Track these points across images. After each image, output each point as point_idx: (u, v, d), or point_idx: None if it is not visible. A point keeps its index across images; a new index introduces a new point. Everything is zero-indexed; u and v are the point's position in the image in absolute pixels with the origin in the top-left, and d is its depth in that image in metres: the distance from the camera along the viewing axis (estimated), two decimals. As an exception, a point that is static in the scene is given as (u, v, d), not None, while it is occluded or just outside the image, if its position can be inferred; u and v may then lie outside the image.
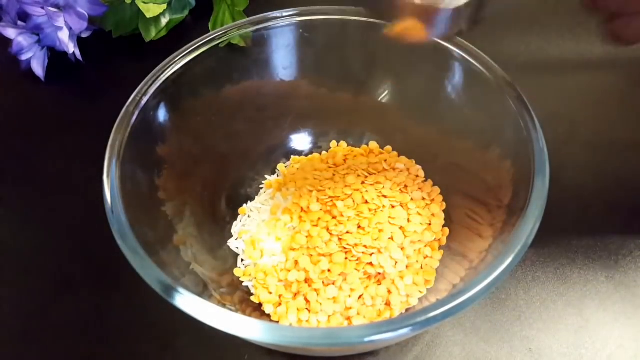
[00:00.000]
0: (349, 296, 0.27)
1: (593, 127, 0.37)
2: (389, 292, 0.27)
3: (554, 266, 0.30)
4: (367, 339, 0.20)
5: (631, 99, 0.39)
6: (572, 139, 0.36)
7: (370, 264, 0.28)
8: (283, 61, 0.32)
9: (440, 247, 0.29)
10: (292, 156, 0.34)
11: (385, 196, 0.30)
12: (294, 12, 0.31)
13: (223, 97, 0.32)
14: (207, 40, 0.30)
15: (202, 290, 0.26)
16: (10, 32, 0.38)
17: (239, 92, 0.32)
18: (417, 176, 0.32)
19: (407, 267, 0.28)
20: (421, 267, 0.28)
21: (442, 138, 0.32)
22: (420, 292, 0.28)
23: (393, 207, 0.29)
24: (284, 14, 0.31)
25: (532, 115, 0.26)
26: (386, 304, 0.27)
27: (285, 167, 0.34)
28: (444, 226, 0.30)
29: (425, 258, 0.29)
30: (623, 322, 0.29)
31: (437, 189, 0.31)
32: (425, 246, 0.29)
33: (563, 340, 0.28)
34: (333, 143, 0.34)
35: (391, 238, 0.28)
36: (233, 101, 0.32)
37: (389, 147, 0.33)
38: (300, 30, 0.31)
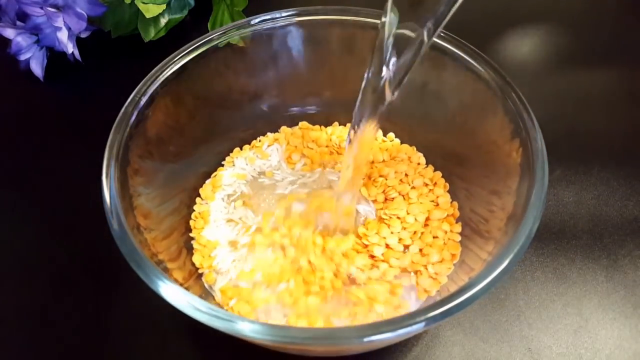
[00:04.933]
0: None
1: (593, 127, 0.37)
2: (419, 273, 0.28)
3: (553, 266, 0.30)
4: (366, 339, 0.20)
5: (631, 99, 0.39)
6: (572, 138, 0.36)
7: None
8: (282, 61, 0.32)
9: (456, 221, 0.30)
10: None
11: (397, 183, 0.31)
12: (293, 12, 0.31)
13: (222, 98, 0.32)
14: (206, 40, 0.30)
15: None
16: (9, 32, 0.38)
17: (238, 92, 0.32)
18: (419, 164, 0.32)
19: (430, 245, 0.28)
20: (444, 243, 0.29)
21: (441, 138, 0.32)
22: (449, 268, 0.28)
23: (393, 199, 0.30)
24: (283, 14, 0.31)
25: (532, 115, 0.26)
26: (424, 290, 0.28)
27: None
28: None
29: (445, 233, 0.29)
30: (622, 322, 0.29)
31: (438, 173, 0.31)
32: (442, 222, 0.29)
33: (562, 340, 0.28)
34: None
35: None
36: (232, 101, 0.32)
37: (391, 135, 0.34)
38: (300, 30, 0.31)
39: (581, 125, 0.37)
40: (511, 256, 0.22)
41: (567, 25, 0.43)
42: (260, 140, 0.34)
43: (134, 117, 0.26)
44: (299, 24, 0.31)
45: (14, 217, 0.34)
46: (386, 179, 0.31)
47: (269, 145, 0.33)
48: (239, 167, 0.33)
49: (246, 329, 0.20)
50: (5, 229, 0.33)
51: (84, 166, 0.28)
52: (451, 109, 0.31)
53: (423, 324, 0.20)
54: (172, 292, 0.21)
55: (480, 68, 0.28)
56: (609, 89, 0.39)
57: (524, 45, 0.42)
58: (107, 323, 0.29)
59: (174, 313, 0.21)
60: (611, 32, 0.43)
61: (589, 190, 0.34)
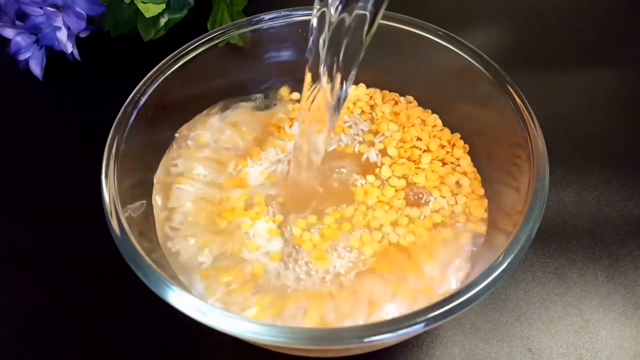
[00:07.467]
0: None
1: (593, 127, 0.37)
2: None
3: (553, 266, 0.30)
4: (366, 340, 0.20)
5: (631, 99, 0.39)
6: (572, 138, 0.36)
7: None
8: (282, 60, 0.32)
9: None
10: None
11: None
12: (293, 12, 0.31)
13: (222, 97, 0.32)
14: (206, 40, 0.30)
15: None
16: (9, 32, 0.38)
17: (238, 92, 0.32)
18: (434, 126, 0.31)
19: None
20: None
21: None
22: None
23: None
24: (283, 14, 0.31)
25: (532, 115, 0.26)
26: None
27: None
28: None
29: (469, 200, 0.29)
30: (623, 322, 0.29)
31: (457, 135, 0.31)
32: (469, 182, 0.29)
33: (563, 341, 0.28)
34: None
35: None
36: (231, 100, 0.32)
37: (409, 97, 0.33)
38: (299, 30, 0.31)
39: (581, 125, 0.37)
40: (512, 256, 0.21)
41: (568, 25, 0.43)
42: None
43: (133, 117, 0.26)
44: (299, 24, 0.31)
45: (13, 217, 0.33)
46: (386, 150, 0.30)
47: None
48: None
49: (245, 329, 0.20)
50: (4, 228, 0.33)
51: (83, 166, 0.28)
52: (450, 108, 0.31)
53: (423, 324, 0.20)
54: (172, 293, 0.21)
55: (480, 68, 0.28)
56: (609, 89, 0.39)
57: (524, 45, 0.42)
58: (106, 323, 0.29)
59: (173, 313, 0.21)
60: (612, 32, 0.43)
61: (590, 191, 0.33)
